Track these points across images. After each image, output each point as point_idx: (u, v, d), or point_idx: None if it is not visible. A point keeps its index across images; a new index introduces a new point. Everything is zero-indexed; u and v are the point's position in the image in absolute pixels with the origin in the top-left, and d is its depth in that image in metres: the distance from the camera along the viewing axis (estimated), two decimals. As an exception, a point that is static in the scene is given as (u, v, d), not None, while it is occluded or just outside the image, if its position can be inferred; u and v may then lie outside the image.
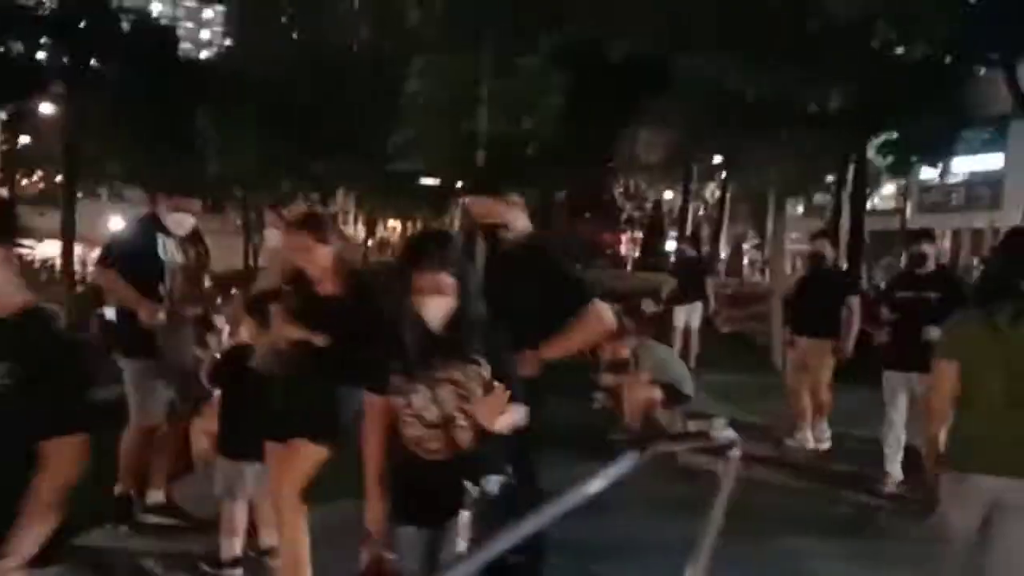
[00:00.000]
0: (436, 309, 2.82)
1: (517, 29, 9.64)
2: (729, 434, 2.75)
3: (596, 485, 2.43)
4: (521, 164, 13.86)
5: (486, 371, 2.85)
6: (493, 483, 2.89)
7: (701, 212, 32.98)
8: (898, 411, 6.58)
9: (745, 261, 33.56)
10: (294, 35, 29.77)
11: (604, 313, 3.83)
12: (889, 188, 31.33)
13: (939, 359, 3.32)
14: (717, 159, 27.50)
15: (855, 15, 9.00)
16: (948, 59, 16.91)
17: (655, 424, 8.10)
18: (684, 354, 11.25)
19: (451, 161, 11.68)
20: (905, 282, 6.86)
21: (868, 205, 30.48)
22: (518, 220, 3.91)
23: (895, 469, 6.65)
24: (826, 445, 8.03)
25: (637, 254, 32.54)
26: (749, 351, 15.08)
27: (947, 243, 31.85)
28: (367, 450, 3.00)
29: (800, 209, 35.15)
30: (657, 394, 7.97)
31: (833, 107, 11.65)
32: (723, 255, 30.36)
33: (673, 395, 8.02)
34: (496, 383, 2.79)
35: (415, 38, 9.56)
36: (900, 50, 15.17)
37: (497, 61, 9.66)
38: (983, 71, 18.53)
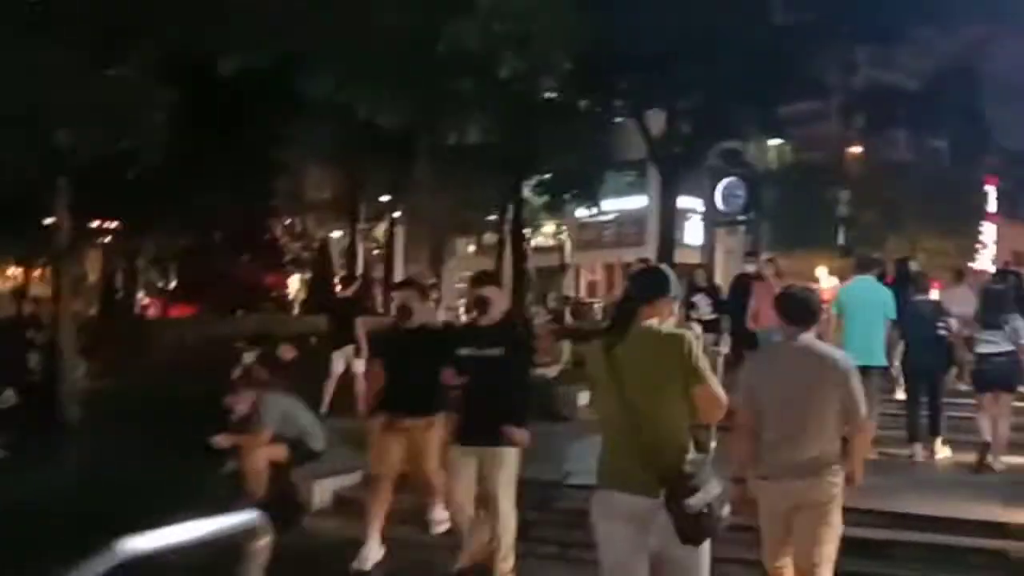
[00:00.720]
0: None
1: (109, 36, 8.39)
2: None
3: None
4: (120, 190, 12.26)
5: None
6: None
7: (374, 252, 32.67)
8: (463, 491, 5.30)
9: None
10: None
11: None
12: (551, 227, 33.21)
13: (589, 388, 3.63)
14: (386, 197, 27.31)
15: (481, 44, 8.88)
16: (585, 103, 18.12)
17: (286, 487, 7.22)
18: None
19: (26, 184, 9.95)
20: (467, 336, 5.43)
21: (533, 243, 32.33)
22: None
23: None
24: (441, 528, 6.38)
25: (304, 296, 31.47)
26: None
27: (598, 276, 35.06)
28: None
29: (472, 248, 36.28)
30: (282, 452, 7.07)
31: (473, 141, 11.65)
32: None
33: (302, 452, 7.17)
34: None
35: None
36: (543, 92, 15.85)
37: (89, 70, 8.32)
38: (620, 119, 20.05)
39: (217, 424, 7.64)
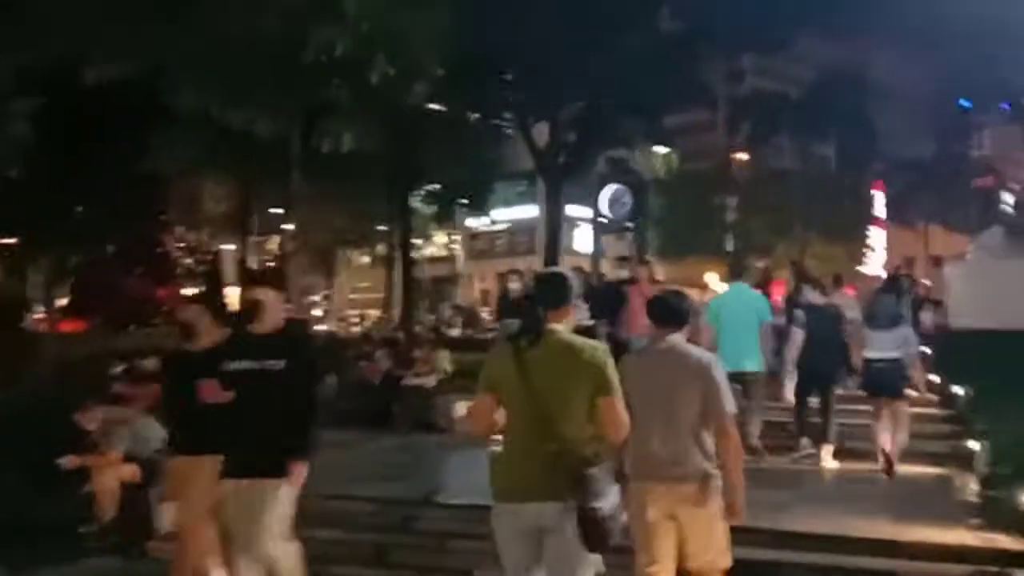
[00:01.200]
0: None
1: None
2: None
3: None
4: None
5: None
6: None
7: (268, 265, 32.08)
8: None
9: (318, 312, 33.44)
10: None
11: None
12: (443, 237, 33.28)
13: (478, 392, 3.45)
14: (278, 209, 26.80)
15: (350, 49, 8.72)
16: (471, 115, 18.26)
17: (138, 511, 6.96)
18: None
19: None
20: (238, 347, 4.41)
21: (426, 253, 32.27)
22: None
23: None
24: None
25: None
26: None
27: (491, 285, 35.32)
28: None
29: (366, 259, 35.98)
30: (133, 472, 6.85)
31: (349, 149, 11.49)
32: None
33: (155, 472, 6.95)
34: None
35: None
36: (427, 103, 15.84)
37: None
38: (509, 130, 20.22)
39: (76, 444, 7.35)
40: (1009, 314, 15.52)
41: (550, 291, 3.47)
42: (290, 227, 27.60)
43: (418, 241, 26.30)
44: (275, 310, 4.39)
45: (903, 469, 7.92)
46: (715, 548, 3.87)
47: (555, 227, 18.58)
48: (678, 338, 4.03)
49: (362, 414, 10.46)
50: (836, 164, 38.45)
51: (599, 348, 3.35)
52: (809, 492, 7.05)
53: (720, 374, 3.92)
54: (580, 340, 3.35)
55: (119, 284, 26.70)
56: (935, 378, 9.96)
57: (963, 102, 34.66)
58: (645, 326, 10.24)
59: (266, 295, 4.37)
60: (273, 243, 29.73)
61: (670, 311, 4.08)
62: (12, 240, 23.86)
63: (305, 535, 5.74)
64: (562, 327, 3.38)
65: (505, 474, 3.34)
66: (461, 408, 9.75)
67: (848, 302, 11.02)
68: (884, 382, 7.98)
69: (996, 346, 11.95)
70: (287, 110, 10.43)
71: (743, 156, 31.98)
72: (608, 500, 3.18)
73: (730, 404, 3.89)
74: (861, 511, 6.29)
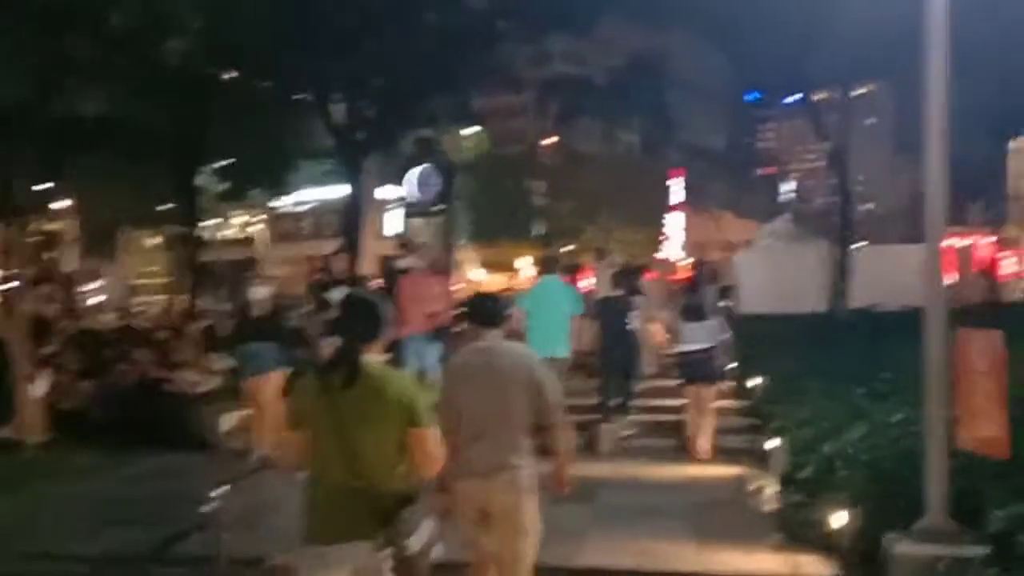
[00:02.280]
0: None
1: None
2: None
3: None
4: None
5: None
6: None
7: (43, 249, 28.87)
8: None
9: (98, 299, 30.82)
10: None
11: None
12: (243, 218, 31.34)
13: (287, 428, 3.30)
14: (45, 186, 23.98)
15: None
16: (263, 86, 16.85)
17: None
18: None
19: None
20: None
21: (221, 235, 30.11)
22: None
23: None
24: None
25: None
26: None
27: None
28: None
29: (157, 241, 33.33)
30: None
31: (96, 113, 9.87)
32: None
33: None
34: None
35: None
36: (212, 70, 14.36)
37: None
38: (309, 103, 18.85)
39: None
40: (797, 298, 16.20)
41: (364, 322, 3.30)
42: (60, 205, 24.93)
43: (210, 222, 24.41)
44: None
45: (704, 471, 7.80)
46: (518, 553, 3.87)
47: (354, 208, 17.57)
48: (498, 336, 4.09)
49: (117, 428, 9.00)
50: (640, 151, 39.55)
51: (408, 379, 3.31)
52: (608, 506, 6.54)
53: (545, 370, 4.01)
54: (391, 373, 3.27)
55: None
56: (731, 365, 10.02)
57: (752, 94, 36.35)
58: (418, 323, 9.03)
59: None
60: (39, 224, 26.75)
61: (487, 313, 4.14)
62: None
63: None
64: (371, 357, 3.24)
65: (311, 513, 3.19)
66: (229, 421, 8.65)
67: (653, 290, 11.09)
68: (700, 370, 8.44)
69: (787, 330, 12.18)
70: (15, 65, 8.66)
71: (551, 141, 32.10)
72: (418, 537, 3.14)
73: (558, 395, 3.95)
74: (662, 530, 5.88)
